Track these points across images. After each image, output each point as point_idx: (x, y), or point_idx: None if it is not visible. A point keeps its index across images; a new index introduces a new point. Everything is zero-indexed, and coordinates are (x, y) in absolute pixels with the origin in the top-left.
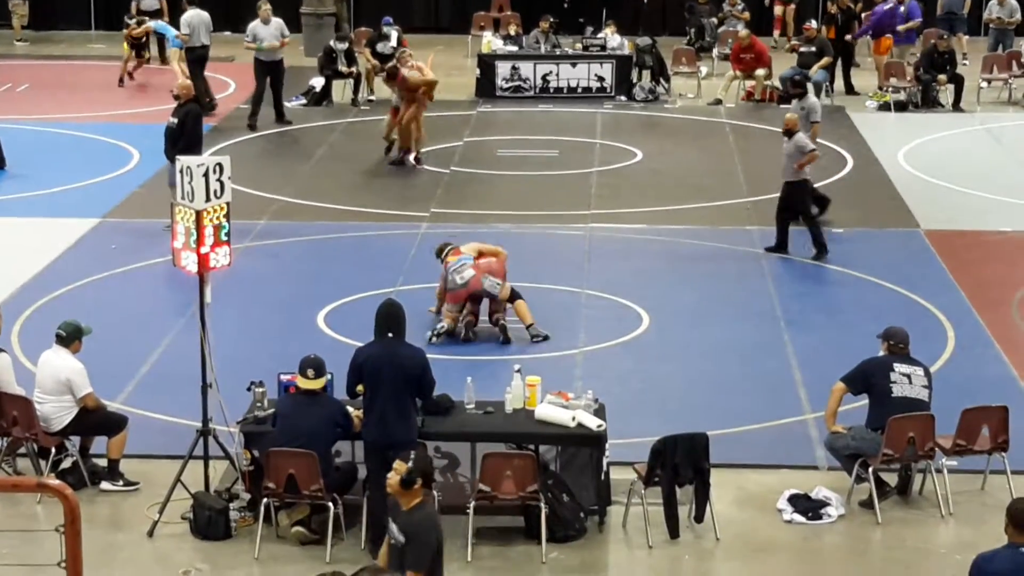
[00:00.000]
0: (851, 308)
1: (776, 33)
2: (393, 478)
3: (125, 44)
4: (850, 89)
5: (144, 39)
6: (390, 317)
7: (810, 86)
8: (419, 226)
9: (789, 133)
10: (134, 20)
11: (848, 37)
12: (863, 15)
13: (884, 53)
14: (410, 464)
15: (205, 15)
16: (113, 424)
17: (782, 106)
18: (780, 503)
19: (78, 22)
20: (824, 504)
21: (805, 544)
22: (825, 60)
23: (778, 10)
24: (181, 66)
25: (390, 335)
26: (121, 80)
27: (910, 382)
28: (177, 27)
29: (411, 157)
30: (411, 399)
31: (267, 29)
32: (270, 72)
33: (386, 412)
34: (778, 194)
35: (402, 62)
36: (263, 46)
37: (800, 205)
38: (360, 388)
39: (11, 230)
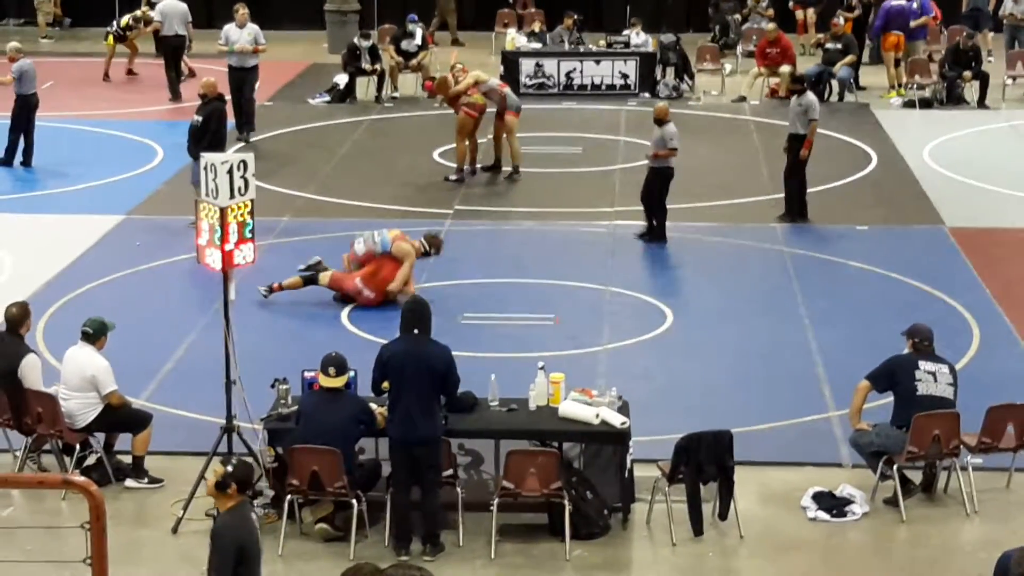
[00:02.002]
0: (875, 305)
1: (800, 37)
2: (210, 479)
3: (110, 39)
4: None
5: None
6: (416, 314)
7: (838, 83)
8: (443, 223)
9: (659, 122)
10: (140, 22)
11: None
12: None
13: (890, 50)
14: (228, 468)
15: (181, 6)
16: (138, 421)
17: None
18: (804, 501)
19: (102, 19)
20: (848, 502)
21: (829, 542)
22: (850, 57)
23: (799, 14)
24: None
25: (416, 332)
26: (130, 71)
27: (935, 380)
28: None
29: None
30: (436, 396)
31: (240, 33)
32: (241, 79)
33: (411, 409)
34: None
35: (453, 75)
36: (234, 48)
37: (655, 191)
38: (385, 385)
39: (36, 227)
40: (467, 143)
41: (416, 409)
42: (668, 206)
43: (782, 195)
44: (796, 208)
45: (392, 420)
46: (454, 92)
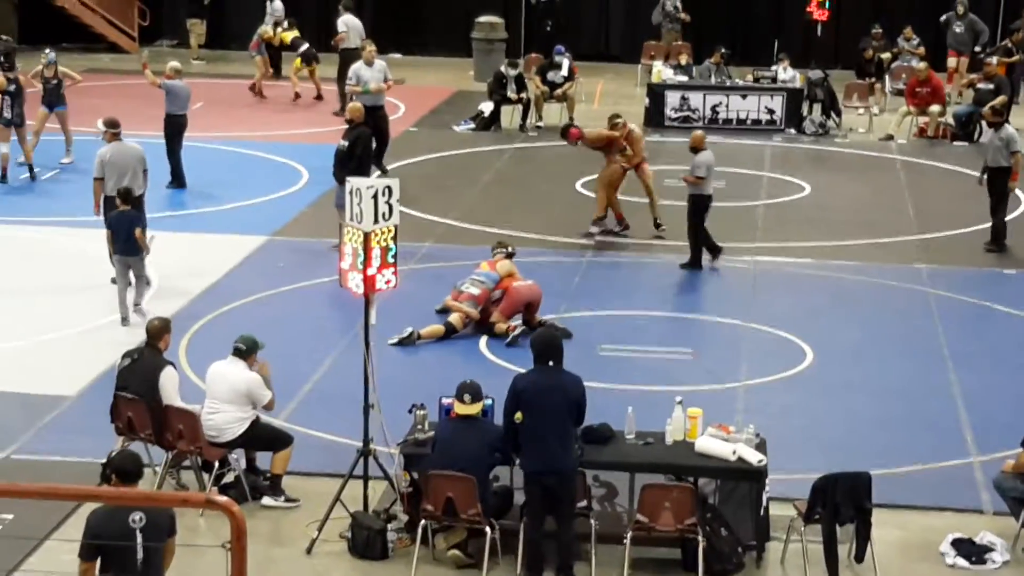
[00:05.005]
0: (1021, 351)
1: (949, 85)
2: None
3: (297, 61)
4: None
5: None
6: (551, 345)
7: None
8: (584, 254)
9: (694, 150)
10: (276, 28)
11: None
12: None
13: None
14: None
15: (359, 21)
16: (280, 440)
17: (955, 143)
18: (943, 547)
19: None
20: (989, 549)
21: None
22: (1001, 98)
23: (951, 62)
24: (295, 78)
25: (551, 364)
26: (258, 89)
27: None
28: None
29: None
30: (573, 427)
31: (371, 71)
32: (375, 117)
33: (548, 440)
34: (948, 232)
35: (619, 132)
36: (368, 87)
37: (692, 216)
38: (518, 416)
39: (182, 245)
40: (607, 194)
41: (554, 440)
42: (819, 243)
43: (928, 235)
44: (1002, 238)
45: (527, 452)
46: (607, 136)
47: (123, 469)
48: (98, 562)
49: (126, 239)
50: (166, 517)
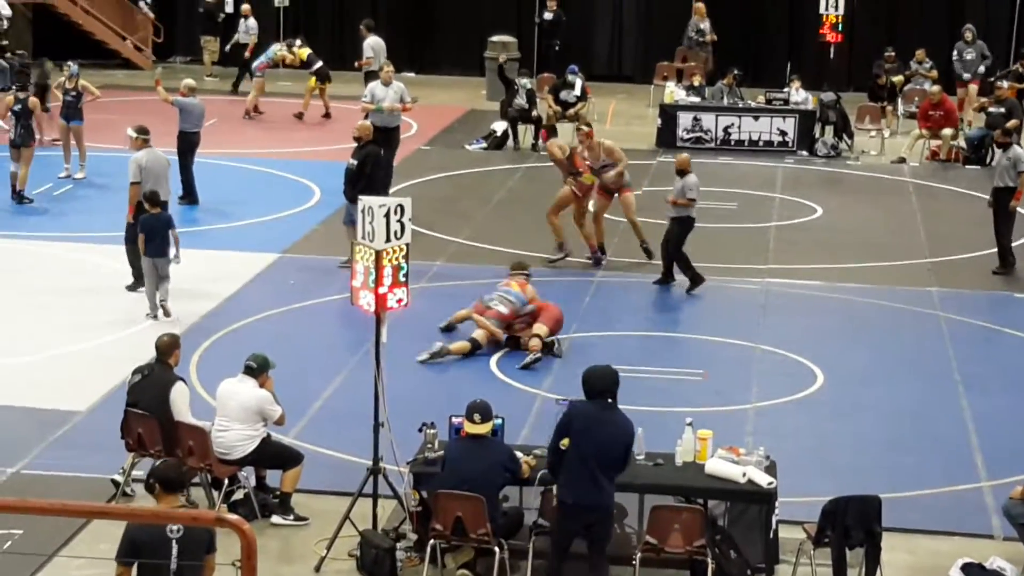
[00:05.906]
0: None
1: (959, 112)
2: None
3: (312, 80)
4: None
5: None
6: (609, 380)
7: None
8: (594, 274)
9: (681, 172)
10: (290, 49)
11: None
12: None
13: None
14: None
15: (383, 43)
16: (290, 458)
17: (968, 167)
18: (953, 571)
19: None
20: (999, 574)
21: None
22: (1013, 122)
23: (960, 91)
24: (308, 97)
25: (609, 400)
26: (249, 112)
27: None
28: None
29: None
30: (620, 467)
31: (386, 91)
32: (385, 139)
33: (596, 475)
34: (959, 255)
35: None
36: (382, 106)
37: (673, 238)
38: (564, 443)
39: (193, 262)
40: (559, 221)
41: (601, 477)
42: (830, 266)
43: (940, 259)
44: (1010, 260)
45: (571, 484)
46: (554, 157)
47: (166, 478)
48: (135, 569)
49: (159, 241)
50: (205, 532)
